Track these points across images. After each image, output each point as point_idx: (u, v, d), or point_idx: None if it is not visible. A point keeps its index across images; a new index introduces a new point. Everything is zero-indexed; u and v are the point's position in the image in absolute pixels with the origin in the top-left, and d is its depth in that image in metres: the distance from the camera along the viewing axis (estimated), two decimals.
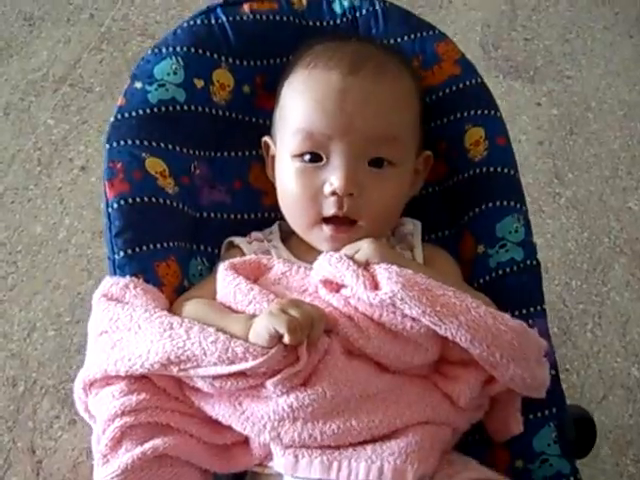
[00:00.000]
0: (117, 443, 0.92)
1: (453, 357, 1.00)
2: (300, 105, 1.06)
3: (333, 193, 1.03)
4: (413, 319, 0.94)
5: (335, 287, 0.98)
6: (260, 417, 0.93)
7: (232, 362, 0.90)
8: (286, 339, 0.88)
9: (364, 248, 1.00)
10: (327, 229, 1.06)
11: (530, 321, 1.08)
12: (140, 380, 0.95)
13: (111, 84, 1.91)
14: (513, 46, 2.04)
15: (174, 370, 0.92)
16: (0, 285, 1.62)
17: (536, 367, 0.99)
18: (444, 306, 0.93)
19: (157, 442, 0.92)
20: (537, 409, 1.07)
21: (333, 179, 1.02)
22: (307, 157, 1.04)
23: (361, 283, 0.95)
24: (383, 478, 0.89)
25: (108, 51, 1.98)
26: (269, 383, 0.91)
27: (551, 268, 1.66)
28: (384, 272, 0.95)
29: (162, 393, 0.96)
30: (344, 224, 1.05)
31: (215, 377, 0.92)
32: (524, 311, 1.10)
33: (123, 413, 0.93)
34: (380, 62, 1.07)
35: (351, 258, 0.99)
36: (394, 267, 0.96)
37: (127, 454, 0.91)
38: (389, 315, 0.95)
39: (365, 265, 0.98)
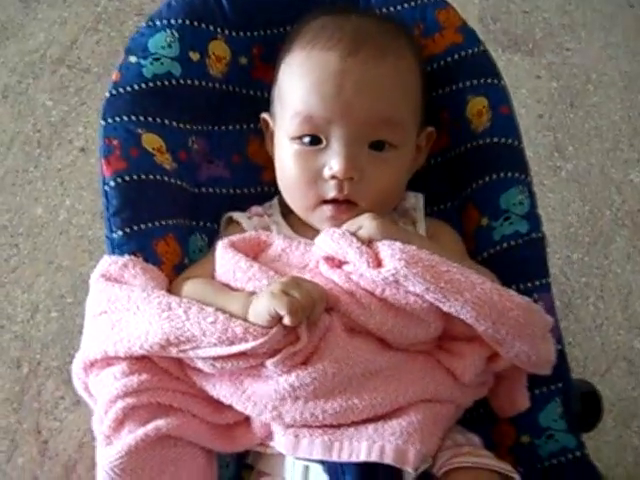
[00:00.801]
0: (120, 424, 0.92)
1: (457, 333, 0.99)
2: (298, 88, 1.04)
3: (333, 177, 1.02)
4: (417, 295, 0.93)
5: (337, 263, 0.98)
6: (261, 396, 0.93)
7: (232, 342, 0.90)
8: (287, 320, 0.88)
9: (366, 225, 0.99)
10: (327, 209, 1.05)
11: (535, 295, 1.08)
12: (141, 361, 0.95)
13: (108, 65, 1.89)
14: (512, 19, 2.03)
15: (173, 351, 0.92)
16: (2, 267, 1.63)
17: (541, 344, 0.98)
18: (448, 282, 0.92)
19: (160, 423, 0.91)
20: (543, 384, 1.07)
21: (333, 163, 1.01)
22: (306, 139, 1.03)
23: (364, 260, 0.94)
24: (384, 458, 0.88)
25: (105, 31, 1.97)
26: (269, 363, 0.90)
27: (552, 242, 1.65)
28: (387, 249, 0.94)
29: (164, 373, 0.95)
30: (345, 205, 1.04)
31: (215, 358, 0.91)
32: (529, 285, 1.09)
33: (125, 394, 0.92)
34: (380, 42, 1.04)
35: (353, 234, 0.98)
36: (397, 243, 0.95)
37: (130, 435, 0.91)
38: (392, 291, 0.94)
39: (368, 242, 0.97)
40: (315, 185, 1.04)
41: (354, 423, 0.92)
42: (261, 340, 0.89)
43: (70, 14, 2.01)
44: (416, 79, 1.09)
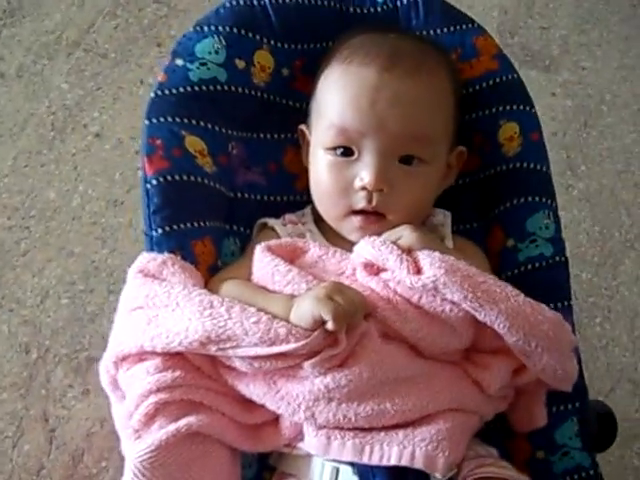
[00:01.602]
0: (150, 419, 0.93)
1: (484, 345, 1.02)
2: (335, 100, 1.07)
3: (363, 188, 1.04)
4: (452, 303, 0.96)
5: (375, 270, 1.00)
6: (295, 396, 0.94)
7: (273, 343, 0.92)
8: (330, 325, 0.90)
9: (406, 235, 1.02)
10: (356, 220, 1.07)
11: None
12: (175, 357, 0.96)
13: (126, 51, 1.89)
14: (530, 34, 2.04)
15: (212, 349, 0.93)
16: (13, 250, 1.61)
17: (567, 360, 1.02)
18: (485, 292, 0.96)
19: (191, 419, 0.93)
20: (561, 402, 1.10)
21: (364, 174, 1.04)
22: (339, 151, 1.06)
23: (404, 267, 0.97)
24: (415, 463, 0.91)
25: (123, 17, 1.95)
26: (307, 364, 0.93)
27: None
28: (427, 257, 0.98)
29: (196, 371, 0.97)
30: (373, 216, 1.07)
31: (254, 357, 0.93)
32: (552, 306, 1.10)
33: (158, 389, 0.94)
34: (416, 60, 1.07)
35: (394, 243, 1.00)
36: (436, 253, 0.98)
37: (161, 430, 0.92)
38: (428, 298, 0.97)
39: (407, 251, 1.00)
40: (346, 195, 1.06)
41: (384, 428, 0.94)
42: (303, 342, 0.91)
43: None
44: (449, 98, 1.11)
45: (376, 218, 1.07)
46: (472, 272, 0.97)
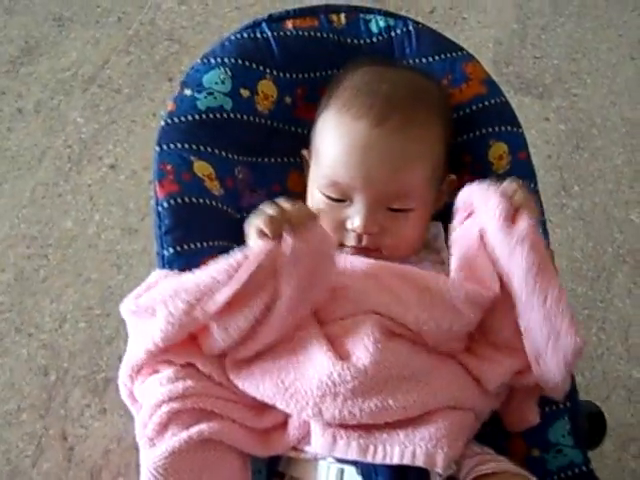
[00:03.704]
0: (164, 428, 0.96)
1: (501, 340, 1.05)
2: (329, 152, 1.11)
3: (354, 230, 1.10)
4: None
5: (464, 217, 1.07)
6: (303, 393, 0.97)
7: (236, 271, 0.95)
8: (266, 230, 0.95)
9: (520, 194, 1.05)
10: (348, 250, 1.12)
11: None
12: (186, 368, 1.00)
13: (139, 86, 1.97)
14: (523, 63, 2.12)
15: (199, 312, 0.95)
16: (32, 277, 1.67)
17: (566, 372, 1.04)
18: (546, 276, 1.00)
19: (202, 427, 0.96)
20: (552, 402, 1.13)
21: (354, 220, 1.09)
22: (332, 197, 1.11)
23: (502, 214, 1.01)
24: (416, 461, 0.94)
25: (135, 54, 2.04)
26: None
27: (558, 275, 1.71)
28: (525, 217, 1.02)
29: (207, 380, 1.00)
30: (365, 250, 1.12)
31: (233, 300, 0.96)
32: None
33: (170, 399, 0.97)
34: (407, 113, 1.10)
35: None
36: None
37: (174, 438, 0.95)
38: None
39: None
40: (338, 231, 1.11)
41: (387, 427, 0.97)
42: (255, 252, 0.96)
43: (102, 35, 2.08)
44: (441, 143, 1.15)
45: (368, 250, 1.12)
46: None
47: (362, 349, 0.98)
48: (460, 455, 1.00)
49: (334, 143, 1.11)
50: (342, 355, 0.98)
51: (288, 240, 0.95)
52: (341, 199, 1.10)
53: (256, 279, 0.95)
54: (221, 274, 0.96)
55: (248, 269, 0.95)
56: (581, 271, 1.76)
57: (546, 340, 0.99)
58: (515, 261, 1.00)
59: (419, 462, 0.94)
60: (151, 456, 0.95)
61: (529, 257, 1.00)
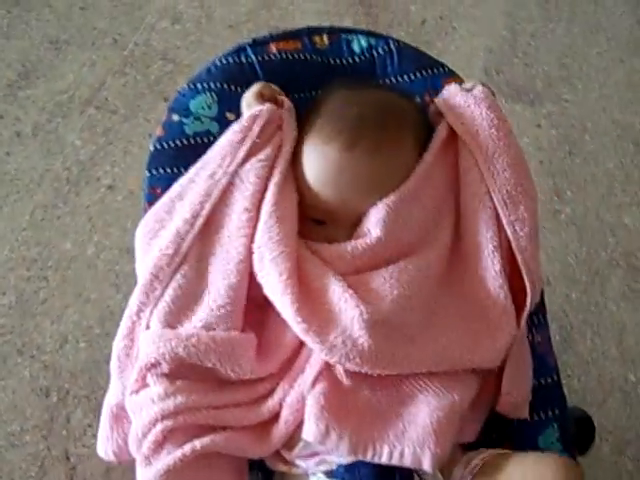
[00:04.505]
0: (159, 446, 0.99)
1: None
2: (304, 178, 1.11)
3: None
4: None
5: None
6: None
7: (245, 135, 1.11)
8: (264, 90, 1.15)
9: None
10: None
11: (534, 330, 1.18)
12: (175, 383, 1.02)
13: (134, 106, 1.99)
14: (514, 71, 2.13)
15: (220, 175, 1.09)
16: (32, 299, 1.70)
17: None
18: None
19: (195, 443, 0.99)
20: (541, 410, 1.15)
21: (337, 236, 1.10)
22: (313, 218, 1.12)
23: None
24: (404, 461, 0.96)
25: (131, 74, 2.06)
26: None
27: (552, 281, 1.75)
28: None
29: (199, 392, 1.02)
30: None
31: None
32: (527, 322, 1.14)
33: (163, 417, 0.99)
34: (377, 136, 1.10)
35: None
36: None
37: (169, 456, 0.98)
38: None
39: None
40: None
41: (378, 425, 1.00)
42: (263, 109, 1.12)
43: (99, 57, 2.09)
44: (414, 154, 1.15)
45: None
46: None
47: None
48: (447, 460, 1.01)
49: (308, 167, 1.11)
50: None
51: (286, 100, 1.14)
52: (321, 221, 1.12)
53: (266, 133, 1.11)
54: (236, 135, 1.10)
55: (259, 124, 1.10)
56: (575, 276, 1.78)
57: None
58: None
59: (407, 462, 0.96)
60: (147, 474, 0.98)
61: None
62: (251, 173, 1.09)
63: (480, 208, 1.10)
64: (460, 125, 1.13)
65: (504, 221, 1.08)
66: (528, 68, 2.15)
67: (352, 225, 1.10)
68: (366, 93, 1.18)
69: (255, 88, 1.16)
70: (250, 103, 1.15)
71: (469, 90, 1.15)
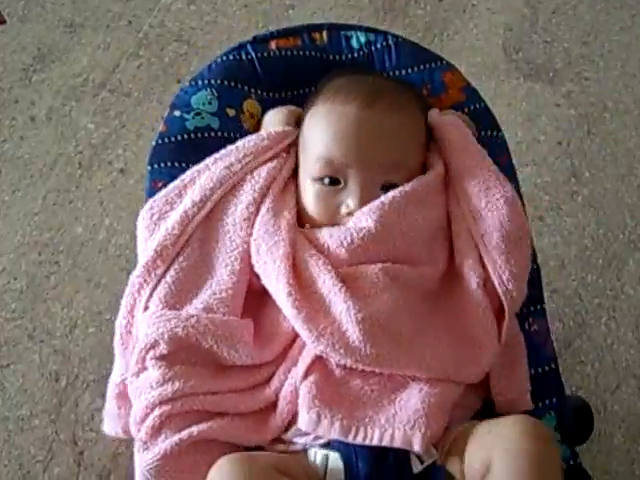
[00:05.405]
0: (156, 431, 1.00)
1: None
2: (321, 136, 1.15)
3: (349, 214, 1.11)
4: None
5: None
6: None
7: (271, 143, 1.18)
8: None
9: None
10: None
11: (530, 319, 1.16)
12: (173, 369, 1.02)
13: (148, 89, 1.99)
14: (533, 48, 2.09)
15: (236, 168, 1.15)
16: (43, 284, 1.70)
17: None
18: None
19: (193, 429, 1.00)
20: (539, 399, 1.13)
21: (349, 202, 1.11)
22: (327, 180, 1.13)
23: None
24: (394, 443, 0.97)
25: (145, 57, 2.05)
26: None
27: (568, 264, 1.71)
28: None
29: (197, 378, 1.03)
30: None
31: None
32: (524, 310, 1.15)
33: (161, 402, 1.01)
34: (393, 97, 1.16)
35: None
36: None
37: (166, 441, 0.99)
38: None
39: None
40: (332, 220, 1.13)
41: (369, 409, 1.00)
42: (288, 129, 1.21)
43: (113, 39, 2.09)
44: (422, 128, 1.20)
45: None
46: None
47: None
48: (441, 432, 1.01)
49: (326, 126, 1.15)
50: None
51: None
52: (335, 179, 1.13)
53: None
54: (264, 142, 1.18)
55: (286, 143, 1.19)
56: (591, 259, 1.73)
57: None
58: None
59: (397, 443, 0.97)
60: (144, 458, 1.00)
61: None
62: (263, 171, 1.15)
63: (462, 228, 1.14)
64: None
65: (474, 235, 1.11)
66: (548, 46, 2.10)
67: (366, 189, 1.11)
68: (374, 75, 1.26)
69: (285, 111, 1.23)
70: (274, 122, 1.22)
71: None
